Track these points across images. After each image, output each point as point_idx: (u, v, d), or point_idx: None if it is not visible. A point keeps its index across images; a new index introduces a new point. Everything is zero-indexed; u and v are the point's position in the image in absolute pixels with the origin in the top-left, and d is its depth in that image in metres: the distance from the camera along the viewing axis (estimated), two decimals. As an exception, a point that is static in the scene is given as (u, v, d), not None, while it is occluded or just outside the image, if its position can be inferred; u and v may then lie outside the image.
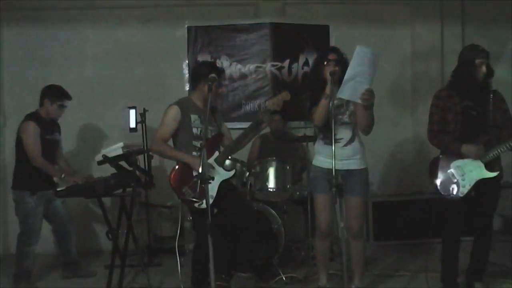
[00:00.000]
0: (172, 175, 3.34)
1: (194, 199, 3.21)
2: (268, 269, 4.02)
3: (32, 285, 4.03)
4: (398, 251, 4.77)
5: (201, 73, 3.43)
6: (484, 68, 3.24)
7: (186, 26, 5.35)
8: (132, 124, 4.75)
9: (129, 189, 3.73)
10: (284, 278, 3.86)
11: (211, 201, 3.03)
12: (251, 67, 5.35)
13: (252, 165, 4.33)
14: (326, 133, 3.26)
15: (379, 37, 5.40)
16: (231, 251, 3.47)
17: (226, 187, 3.39)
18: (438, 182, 3.33)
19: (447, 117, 3.32)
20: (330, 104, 3.09)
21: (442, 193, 3.32)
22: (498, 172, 3.26)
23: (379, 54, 2.95)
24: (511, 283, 3.68)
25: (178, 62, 5.37)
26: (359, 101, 3.02)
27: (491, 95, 3.28)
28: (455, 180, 3.28)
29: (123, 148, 3.73)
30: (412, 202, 5.01)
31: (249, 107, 5.36)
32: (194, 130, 3.41)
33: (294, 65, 5.39)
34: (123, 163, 3.72)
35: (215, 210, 3.35)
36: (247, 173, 4.19)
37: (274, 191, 4.19)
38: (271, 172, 4.20)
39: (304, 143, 4.52)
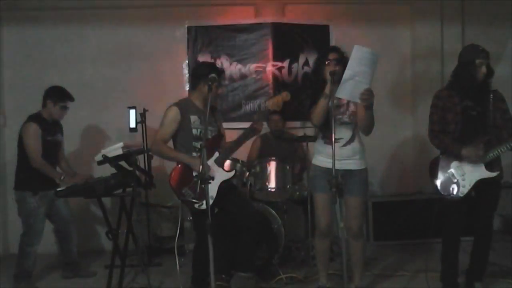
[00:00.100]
0: (172, 175, 3.34)
1: (194, 200, 3.21)
2: (268, 269, 4.02)
3: (32, 285, 4.03)
4: (398, 251, 4.77)
5: (201, 74, 3.42)
6: (484, 68, 3.24)
7: (186, 26, 5.35)
8: (132, 124, 4.75)
9: (129, 189, 3.73)
10: (284, 278, 3.86)
11: (211, 201, 3.03)
12: (251, 67, 5.35)
13: (252, 165, 4.33)
14: (325, 132, 3.27)
15: (379, 37, 5.40)
16: (231, 251, 3.47)
17: (226, 188, 3.39)
18: (438, 182, 3.33)
19: (447, 117, 3.32)
20: (330, 104, 3.09)
21: (442, 193, 3.32)
22: (498, 172, 3.26)
23: (378, 55, 2.93)
24: (511, 283, 3.69)
25: (178, 62, 5.37)
26: (358, 101, 3.02)
27: (491, 95, 3.28)
28: (455, 180, 3.29)
29: (123, 148, 3.74)
30: (412, 202, 5.01)
31: (249, 107, 5.36)
32: (194, 131, 3.41)
33: (294, 65, 5.39)
34: (123, 163, 3.73)
35: (216, 210, 3.36)
36: (247, 173, 4.20)
37: (274, 191, 4.20)
38: (271, 172, 4.21)
39: (304, 143, 4.52)
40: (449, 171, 3.32)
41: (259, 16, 5.39)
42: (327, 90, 3.12)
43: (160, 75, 5.35)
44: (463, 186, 3.26)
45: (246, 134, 3.40)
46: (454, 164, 3.31)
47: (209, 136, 3.39)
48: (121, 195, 3.74)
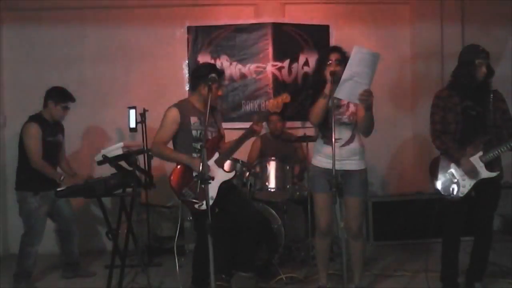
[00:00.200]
0: (172, 176, 3.34)
1: (194, 200, 3.22)
2: (268, 269, 4.02)
3: (32, 285, 4.04)
4: (398, 251, 4.77)
5: (200, 75, 3.41)
6: (484, 68, 3.24)
7: (186, 26, 5.35)
8: (132, 124, 4.75)
9: (129, 189, 3.73)
10: (284, 278, 3.86)
11: (211, 202, 3.03)
12: (251, 67, 5.35)
13: (252, 165, 4.33)
14: (325, 132, 3.27)
15: (379, 37, 5.41)
16: (231, 251, 3.48)
17: (226, 188, 3.39)
18: (438, 182, 3.34)
19: (447, 117, 3.32)
20: (330, 104, 3.09)
21: (442, 193, 3.32)
22: (498, 172, 3.26)
23: (378, 55, 2.91)
24: (511, 283, 3.69)
25: (178, 62, 5.36)
26: (356, 101, 3.01)
27: (491, 95, 3.29)
28: (455, 180, 3.29)
29: (123, 148, 3.74)
30: (412, 202, 5.02)
31: (249, 107, 5.36)
32: (194, 133, 3.40)
33: (294, 65, 5.39)
34: (123, 163, 3.73)
35: (216, 210, 3.36)
36: (247, 173, 4.20)
37: (274, 191, 4.20)
38: (271, 172, 4.21)
39: (304, 143, 4.52)
40: (449, 171, 3.32)
41: (259, 16, 5.38)
42: (326, 90, 3.12)
43: (160, 75, 5.34)
44: (463, 186, 3.26)
45: (246, 135, 3.40)
46: (454, 164, 3.31)
47: (209, 137, 3.38)
48: (121, 195, 3.74)
